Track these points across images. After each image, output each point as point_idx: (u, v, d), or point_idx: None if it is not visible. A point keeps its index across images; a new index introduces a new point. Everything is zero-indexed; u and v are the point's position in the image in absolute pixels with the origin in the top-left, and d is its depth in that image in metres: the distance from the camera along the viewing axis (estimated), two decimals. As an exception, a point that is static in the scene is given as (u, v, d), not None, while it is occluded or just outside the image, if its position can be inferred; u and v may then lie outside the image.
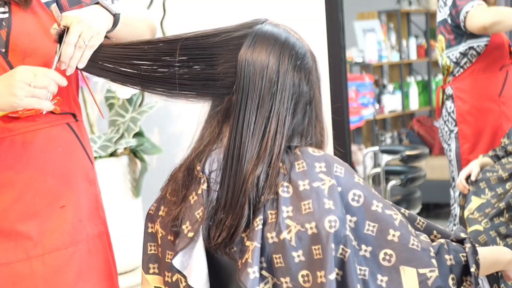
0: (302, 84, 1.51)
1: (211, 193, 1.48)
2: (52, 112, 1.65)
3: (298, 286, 1.39)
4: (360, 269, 1.41)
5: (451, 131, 3.41)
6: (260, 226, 1.42)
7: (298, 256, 1.39)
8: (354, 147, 5.59)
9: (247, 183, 1.44)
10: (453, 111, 3.40)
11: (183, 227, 1.48)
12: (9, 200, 1.63)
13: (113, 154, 2.78)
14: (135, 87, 1.62)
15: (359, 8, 6.72)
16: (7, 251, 1.63)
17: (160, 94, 1.57)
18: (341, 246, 1.38)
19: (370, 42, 6.37)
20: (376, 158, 5.82)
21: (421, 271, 1.42)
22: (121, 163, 2.79)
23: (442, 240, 1.49)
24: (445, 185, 3.90)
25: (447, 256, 1.45)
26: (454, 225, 3.34)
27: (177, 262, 1.48)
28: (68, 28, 1.56)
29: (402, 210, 1.55)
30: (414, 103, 6.86)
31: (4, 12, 1.65)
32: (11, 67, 1.61)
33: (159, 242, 1.57)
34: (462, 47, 3.34)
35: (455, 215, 3.34)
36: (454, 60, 3.37)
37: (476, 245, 1.49)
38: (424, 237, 1.48)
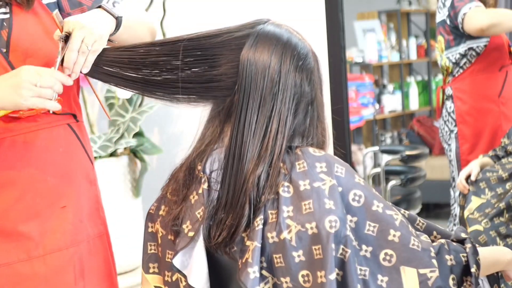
0: (304, 84, 1.51)
1: (212, 192, 1.48)
2: (53, 112, 1.65)
3: (298, 286, 1.39)
4: (361, 269, 1.41)
5: (451, 131, 3.41)
6: (261, 226, 1.42)
7: (299, 256, 1.39)
8: (354, 147, 5.59)
9: (247, 183, 1.44)
10: (453, 111, 3.40)
11: (184, 226, 1.48)
12: (10, 200, 1.63)
13: (113, 154, 2.78)
14: (139, 92, 1.62)
15: (359, 8, 6.72)
16: (8, 251, 1.63)
17: (163, 99, 1.57)
18: (342, 246, 1.38)
19: (370, 42, 6.37)
20: (376, 158, 5.82)
21: (422, 271, 1.42)
22: (121, 163, 2.78)
23: (443, 240, 1.49)
24: (445, 185, 3.90)
25: (447, 256, 1.45)
26: (454, 225, 3.34)
27: (177, 261, 1.48)
28: (70, 34, 1.56)
29: (402, 211, 1.55)
30: (414, 103, 6.86)
31: (5, 13, 1.65)
32: (12, 68, 1.61)
33: (159, 241, 1.57)
34: (462, 48, 3.33)
35: (455, 215, 3.34)
36: (454, 60, 3.37)
37: (476, 245, 1.49)
38: (424, 237, 1.48)
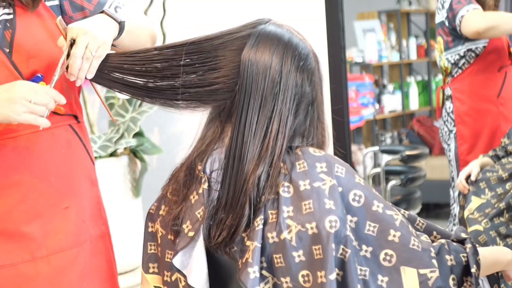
0: (305, 84, 1.51)
1: (212, 192, 1.48)
2: (56, 113, 1.66)
3: (298, 286, 1.39)
4: (361, 269, 1.41)
5: (450, 131, 3.41)
6: (261, 226, 1.42)
7: (299, 256, 1.39)
8: (354, 147, 5.59)
9: (248, 183, 1.44)
10: (452, 111, 3.40)
11: (184, 226, 1.48)
12: (13, 201, 1.63)
13: (113, 154, 2.78)
14: (142, 99, 1.62)
15: (359, 8, 6.72)
16: (12, 252, 1.63)
17: (166, 106, 1.57)
18: (342, 246, 1.38)
19: (370, 42, 6.37)
20: (376, 158, 5.82)
21: (422, 271, 1.42)
22: (121, 163, 2.79)
23: (443, 241, 1.49)
24: (445, 185, 3.90)
25: (447, 257, 1.45)
26: (454, 225, 3.34)
27: (177, 261, 1.48)
28: (74, 40, 1.57)
29: (402, 211, 1.55)
30: (414, 103, 6.86)
31: (8, 13, 1.65)
32: (16, 67, 1.62)
33: (159, 241, 1.57)
34: (461, 49, 3.33)
35: (455, 215, 3.34)
36: (453, 61, 3.37)
37: (477, 245, 1.49)
38: (424, 237, 1.48)
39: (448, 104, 3.42)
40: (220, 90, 1.51)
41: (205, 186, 1.48)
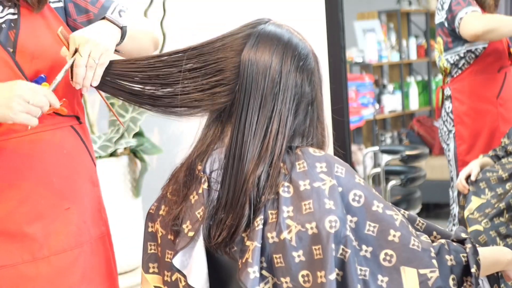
0: (304, 84, 1.51)
1: (212, 192, 1.48)
2: (58, 114, 1.67)
3: (298, 286, 1.39)
4: (361, 269, 1.41)
5: (450, 131, 3.41)
6: (261, 226, 1.42)
7: (299, 256, 1.39)
8: (354, 147, 5.59)
9: (248, 183, 1.44)
10: (451, 111, 3.40)
11: (184, 226, 1.48)
12: (15, 202, 1.64)
13: (113, 154, 2.78)
14: (146, 108, 1.62)
15: (359, 8, 6.73)
16: (12, 252, 1.63)
17: (168, 113, 1.58)
18: (342, 246, 1.38)
19: (370, 42, 6.38)
20: (376, 158, 5.83)
21: (422, 271, 1.42)
22: (121, 163, 2.78)
23: (443, 241, 1.49)
24: (445, 185, 3.90)
25: (447, 257, 1.45)
26: (454, 225, 3.34)
27: (177, 261, 1.48)
28: (77, 49, 1.58)
29: (402, 211, 1.55)
30: (414, 103, 6.87)
31: (13, 14, 1.66)
32: (19, 67, 1.62)
33: (159, 241, 1.57)
34: (460, 50, 3.33)
35: (454, 215, 3.34)
36: (452, 62, 3.36)
37: (477, 245, 1.49)
38: (424, 237, 1.48)
39: (448, 104, 3.41)
40: (221, 93, 1.50)
41: (205, 186, 1.48)
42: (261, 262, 1.41)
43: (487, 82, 3.35)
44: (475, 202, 2.80)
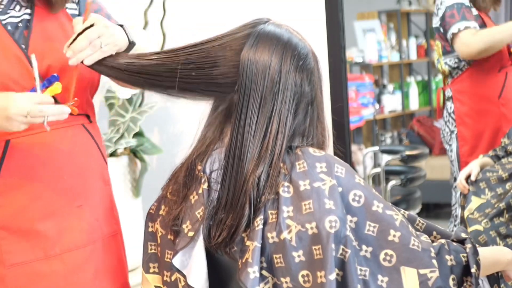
0: (304, 84, 1.51)
1: (212, 192, 1.48)
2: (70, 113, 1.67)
3: (298, 286, 1.39)
4: (361, 270, 1.41)
5: (452, 131, 3.40)
6: (261, 226, 1.42)
7: (299, 256, 1.39)
8: (354, 147, 5.59)
9: (248, 183, 1.44)
10: (453, 111, 3.39)
11: (184, 226, 1.48)
12: (28, 199, 1.65)
13: (113, 154, 2.77)
14: (138, 85, 1.62)
15: (359, 8, 6.73)
16: (25, 250, 1.64)
17: (162, 93, 1.58)
18: (342, 246, 1.38)
19: (370, 42, 6.38)
20: (376, 158, 5.82)
21: (422, 271, 1.42)
22: (121, 163, 2.78)
23: (443, 241, 1.49)
24: (445, 185, 3.90)
25: (447, 257, 1.45)
26: (455, 225, 3.34)
27: (177, 261, 1.48)
28: (91, 26, 1.59)
29: (402, 211, 1.55)
30: (414, 103, 6.87)
31: (29, 14, 1.68)
32: (31, 64, 1.62)
33: (159, 241, 1.57)
34: (458, 53, 3.31)
35: (456, 216, 3.33)
36: (451, 64, 3.36)
37: (477, 245, 1.49)
38: (424, 237, 1.48)
39: (449, 104, 3.40)
40: (218, 85, 1.50)
41: (205, 186, 1.48)
42: (261, 262, 1.41)
43: (488, 82, 3.34)
44: (475, 202, 2.79)
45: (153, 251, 1.60)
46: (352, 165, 3.42)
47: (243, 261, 1.41)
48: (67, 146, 1.68)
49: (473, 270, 1.44)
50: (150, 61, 1.56)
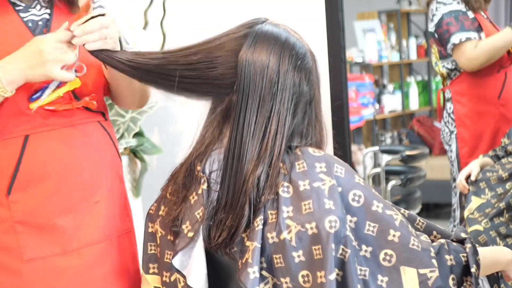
0: (302, 84, 1.51)
1: (212, 193, 1.48)
2: (88, 109, 1.70)
3: (298, 286, 1.39)
4: (361, 269, 1.41)
5: (451, 132, 3.40)
6: (261, 226, 1.42)
7: (298, 256, 1.39)
8: (354, 147, 5.59)
9: (247, 183, 1.44)
10: (452, 112, 3.38)
11: (183, 227, 1.48)
12: (46, 194, 1.65)
13: (113, 154, 2.77)
14: (135, 77, 1.62)
15: (359, 8, 6.72)
16: (42, 245, 1.64)
17: (160, 89, 1.58)
18: (341, 246, 1.38)
19: (370, 42, 6.38)
20: (376, 158, 5.82)
21: (422, 271, 1.42)
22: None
23: (443, 240, 1.49)
24: (445, 185, 3.90)
25: (447, 256, 1.45)
26: (455, 226, 3.34)
27: (176, 261, 1.48)
28: (101, 15, 1.62)
29: (402, 210, 1.55)
30: (414, 103, 6.87)
31: (49, 14, 1.71)
32: None
33: (158, 242, 1.57)
34: (458, 64, 3.31)
35: (456, 216, 3.33)
36: (449, 67, 3.35)
37: (476, 245, 1.49)
38: (424, 237, 1.48)
39: (449, 105, 3.40)
40: (217, 85, 1.51)
41: (204, 186, 1.48)
42: (261, 262, 1.41)
43: (487, 83, 3.33)
44: (475, 202, 2.79)
45: (153, 251, 1.60)
46: (352, 165, 3.41)
47: (243, 261, 1.41)
48: (84, 142, 1.70)
49: (473, 270, 1.44)
50: (149, 61, 1.56)
